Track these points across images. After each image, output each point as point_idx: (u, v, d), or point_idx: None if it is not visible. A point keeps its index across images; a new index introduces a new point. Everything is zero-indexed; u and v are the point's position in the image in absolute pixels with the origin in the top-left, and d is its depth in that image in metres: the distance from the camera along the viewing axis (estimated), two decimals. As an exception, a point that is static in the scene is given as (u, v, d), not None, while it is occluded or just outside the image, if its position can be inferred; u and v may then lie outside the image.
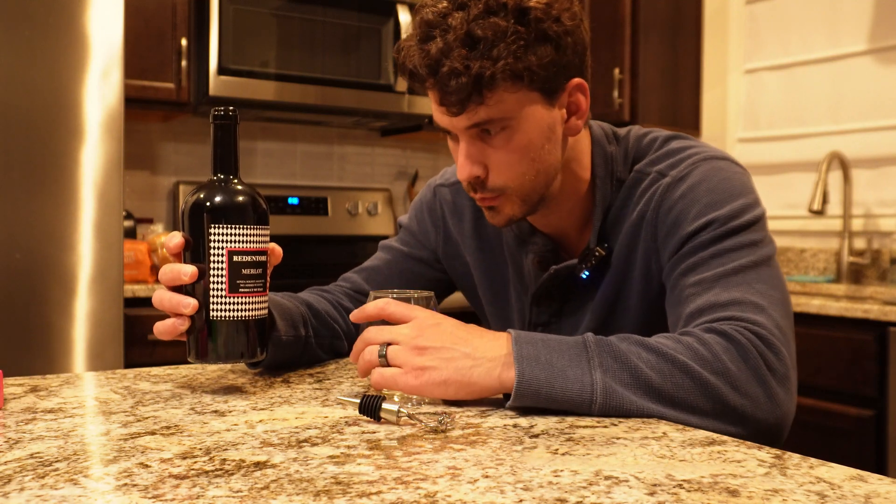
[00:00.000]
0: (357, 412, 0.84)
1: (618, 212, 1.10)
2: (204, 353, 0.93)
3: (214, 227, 0.91)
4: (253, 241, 0.93)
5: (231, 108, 0.94)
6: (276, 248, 0.99)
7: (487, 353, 0.87)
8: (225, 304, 0.92)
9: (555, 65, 0.99)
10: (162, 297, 0.93)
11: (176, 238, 0.92)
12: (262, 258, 0.94)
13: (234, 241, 0.91)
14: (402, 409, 0.81)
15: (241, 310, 0.92)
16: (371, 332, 0.92)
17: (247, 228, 0.92)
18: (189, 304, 0.91)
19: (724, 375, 0.86)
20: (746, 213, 1.01)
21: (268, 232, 0.95)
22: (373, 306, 0.94)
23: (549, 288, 1.15)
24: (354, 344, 0.95)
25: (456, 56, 0.95)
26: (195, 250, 0.92)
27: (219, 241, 0.91)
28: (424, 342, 0.88)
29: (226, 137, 0.94)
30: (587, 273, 1.11)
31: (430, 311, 0.92)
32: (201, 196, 0.93)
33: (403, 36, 2.84)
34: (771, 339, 0.90)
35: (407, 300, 0.95)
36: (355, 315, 0.95)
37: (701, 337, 0.89)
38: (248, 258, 0.92)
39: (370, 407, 0.81)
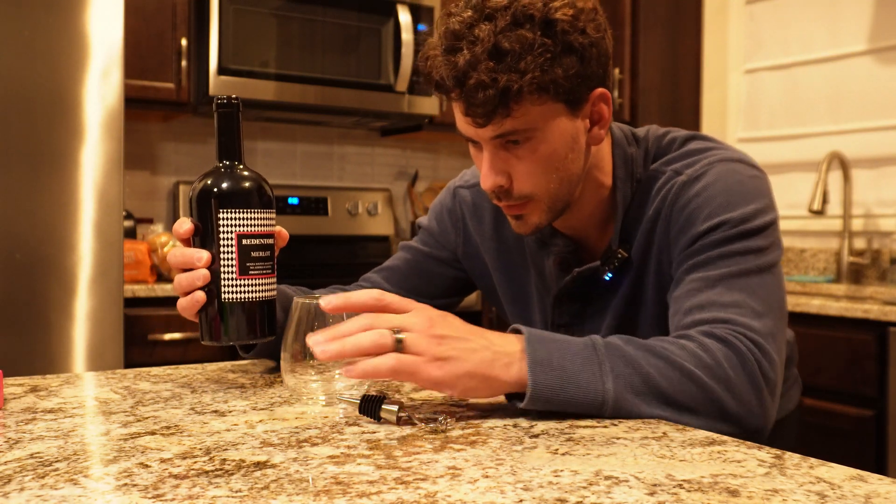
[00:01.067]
0: (357, 412, 0.84)
1: (636, 211, 1.11)
2: (217, 335, 0.96)
3: (223, 212, 0.93)
4: (261, 225, 0.95)
5: (234, 96, 0.96)
6: (283, 231, 1.01)
7: (505, 347, 0.84)
8: (235, 286, 0.94)
9: (579, 76, 0.99)
10: (180, 279, 0.95)
11: (186, 224, 0.94)
12: (270, 241, 0.96)
13: (243, 225, 0.94)
14: (402, 410, 0.80)
15: (252, 291, 0.95)
16: (373, 318, 0.82)
17: (254, 212, 0.94)
18: (201, 275, 0.93)
19: (724, 382, 0.88)
20: (758, 218, 1.02)
21: (274, 215, 0.97)
22: (366, 295, 0.84)
23: (571, 289, 1.16)
24: (337, 328, 0.82)
25: (483, 69, 0.94)
26: (204, 235, 0.95)
27: (228, 226, 0.94)
28: (441, 331, 0.81)
29: (229, 125, 0.96)
30: (610, 275, 1.12)
31: (425, 305, 0.86)
32: (209, 182, 0.95)
33: (404, 36, 2.87)
34: (766, 348, 0.92)
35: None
36: (336, 303, 0.84)
37: (703, 343, 0.90)
38: (257, 241, 0.95)
39: (370, 407, 0.81)
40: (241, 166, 0.96)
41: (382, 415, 0.81)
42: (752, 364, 0.90)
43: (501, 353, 0.83)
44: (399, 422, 0.81)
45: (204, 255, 0.93)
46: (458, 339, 0.82)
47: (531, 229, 1.08)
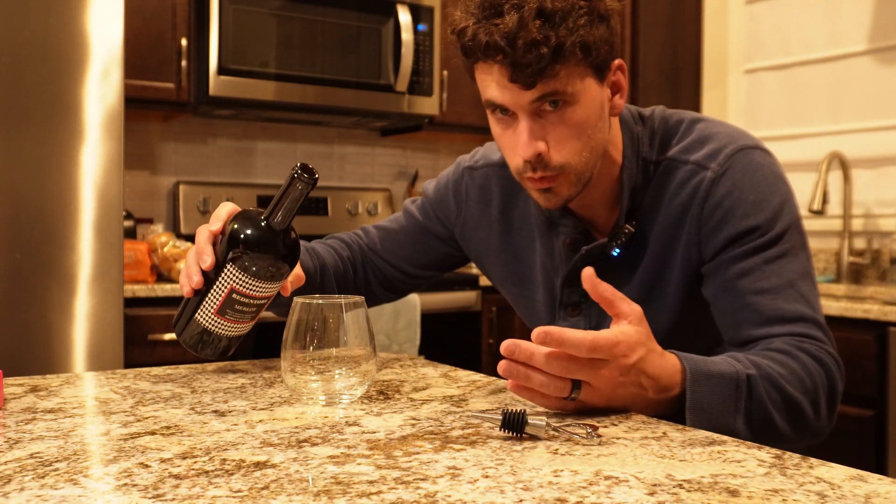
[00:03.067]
0: (498, 428, 0.78)
1: (653, 196, 1.12)
2: (179, 332, 1.04)
3: (230, 266, 0.97)
4: (257, 292, 0.99)
5: (316, 173, 0.95)
6: (287, 285, 1.06)
7: (664, 395, 0.90)
8: (209, 317, 1.00)
9: (607, 43, 1.02)
10: (189, 261, 1.02)
11: (225, 208, 1.01)
12: (262, 302, 1.01)
13: (240, 285, 0.97)
14: (549, 423, 0.77)
15: (220, 328, 1.01)
16: (566, 367, 0.83)
17: (258, 282, 0.98)
18: (194, 280, 0.99)
19: (815, 405, 0.99)
20: (786, 213, 1.07)
21: (280, 285, 1.01)
22: (577, 343, 0.83)
23: (580, 269, 1.17)
24: (534, 364, 0.84)
25: (533, 28, 0.97)
26: (218, 255, 0.98)
27: (228, 276, 0.97)
28: (616, 394, 0.87)
29: (296, 194, 0.95)
30: (618, 250, 1.14)
31: (618, 345, 0.85)
32: (239, 227, 0.97)
33: (404, 36, 2.87)
34: (840, 362, 1.03)
35: (338, 306, 0.91)
36: (548, 340, 0.83)
37: (805, 364, 0.99)
38: (246, 300, 0.99)
39: (515, 422, 0.77)
40: (282, 236, 0.97)
41: (529, 430, 0.77)
42: (836, 384, 1.01)
43: (653, 403, 0.90)
44: (548, 436, 0.77)
45: (208, 260, 0.98)
46: (625, 397, 0.88)
47: (562, 202, 1.10)
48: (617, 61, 1.07)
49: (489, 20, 0.99)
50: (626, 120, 1.15)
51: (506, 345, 0.83)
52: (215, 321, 1.00)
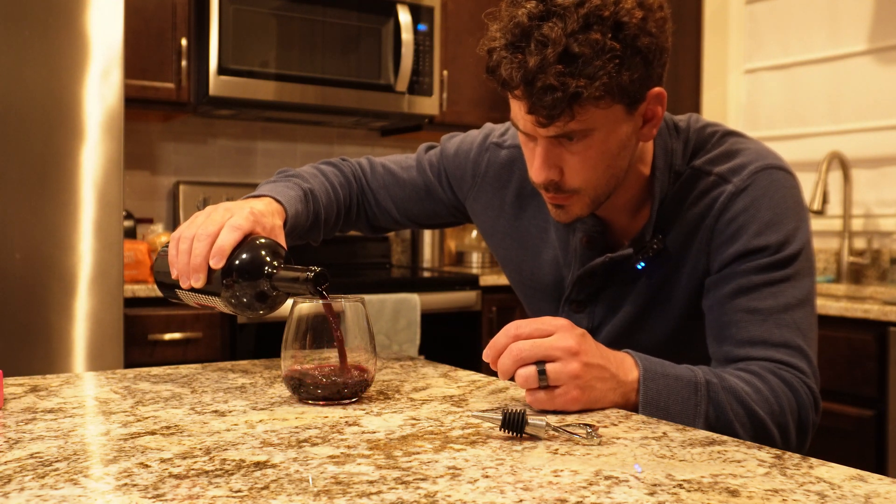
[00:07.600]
0: (498, 428, 0.78)
1: (673, 204, 1.12)
2: (156, 277, 1.08)
3: (222, 291, 0.98)
4: (236, 311, 1.01)
5: (325, 293, 0.94)
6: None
7: (627, 377, 0.93)
8: (188, 298, 1.05)
9: (642, 78, 0.98)
10: (199, 248, 0.98)
11: (232, 236, 0.98)
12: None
13: (222, 305, 1.01)
14: (549, 423, 0.77)
15: (194, 305, 1.07)
16: (524, 350, 0.88)
17: (239, 308, 1.00)
18: (199, 277, 0.98)
19: (782, 428, 1.00)
20: (798, 238, 1.06)
21: (256, 314, 1.04)
22: (504, 339, 0.90)
23: (598, 270, 1.17)
24: (492, 348, 0.90)
25: (552, 73, 0.93)
26: (227, 269, 0.98)
27: (214, 296, 1.00)
28: (586, 358, 0.89)
29: (300, 291, 0.95)
30: (643, 264, 1.13)
31: (558, 320, 0.91)
32: (239, 263, 0.97)
33: (404, 36, 2.87)
34: (817, 394, 1.03)
35: (339, 310, 0.91)
36: (489, 358, 0.91)
37: (773, 387, 1.00)
38: (223, 310, 1.03)
39: (515, 422, 0.77)
40: (276, 292, 0.97)
41: (528, 430, 0.77)
42: (807, 413, 1.01)
43: (624, 383, 0.93)
44: (548, 436, 0.77)
45: (201, 280, 0.98)
46: (595, 366, 0.90)
47: (572, 219, 1.10)
48: (654, 91, 1.02)
49: (514, 53, 0.96)
50: (661, 132, 1.12)
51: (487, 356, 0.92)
52: (192, 302, 1.06)
